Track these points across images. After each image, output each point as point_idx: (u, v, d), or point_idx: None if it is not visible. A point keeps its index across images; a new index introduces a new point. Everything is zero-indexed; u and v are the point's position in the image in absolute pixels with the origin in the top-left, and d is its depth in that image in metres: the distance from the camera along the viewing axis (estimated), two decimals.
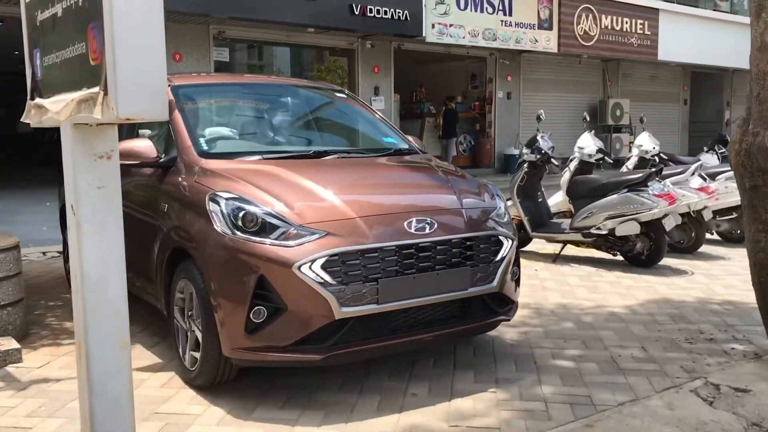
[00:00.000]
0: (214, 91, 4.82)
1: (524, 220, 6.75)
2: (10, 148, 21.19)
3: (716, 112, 21.80)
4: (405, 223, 3.33)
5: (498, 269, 3.56)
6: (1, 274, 3.98)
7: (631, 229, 6.13)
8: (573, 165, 7.24)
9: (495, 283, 3.54)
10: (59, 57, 1.71)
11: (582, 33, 15.66)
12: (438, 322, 3.45)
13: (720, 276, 6.06)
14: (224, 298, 3.13)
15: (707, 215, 6.80)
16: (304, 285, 3.04)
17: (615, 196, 6.26)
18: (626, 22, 16.58)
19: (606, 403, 3.29)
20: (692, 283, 5.84)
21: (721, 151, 9.13)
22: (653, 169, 6.57)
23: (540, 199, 7.05)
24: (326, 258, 3.07)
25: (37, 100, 1.85)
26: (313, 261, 3.05)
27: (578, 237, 6.48)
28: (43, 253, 6.96)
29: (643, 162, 8.22)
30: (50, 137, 15.50)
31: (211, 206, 3.27)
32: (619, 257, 6.59)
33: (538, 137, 6.97)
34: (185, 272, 3.42)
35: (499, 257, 3.58)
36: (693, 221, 6.88)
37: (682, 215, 6.60)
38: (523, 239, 6.79)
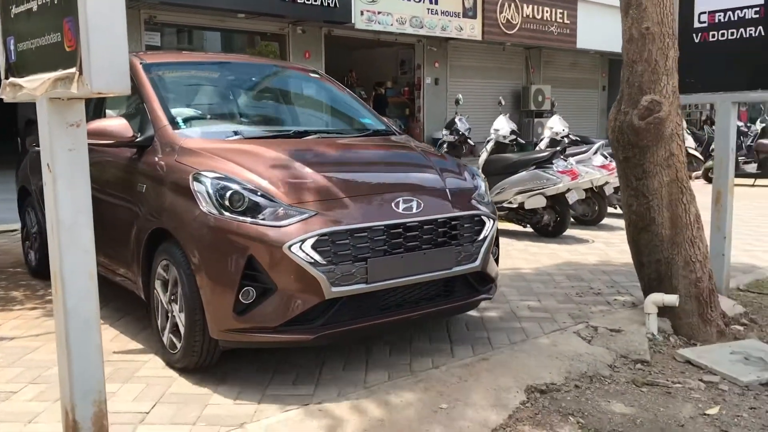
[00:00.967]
0: (188, 69, 4.70)
1: None
2: None
3: None
4: (393, 203, 3.34)
5: (481, 249, 3.60)
6: None
7: (538, 202, 6.76)
8: (489, 145, 7.86)
9: (478, 262, 3.58)
10: (34, 44, 2.07)
11: (505, 21, 16.36)
12: (424, 300, 3.49)
13: (617, 244, 6.76)
14: (211, 280, 3.09)
15: (608, 190, 7.52)
16: (294, 265, 3.01)
17: (524, 172, 6.88)
18: (547, 12, 17.38)
19: (502, 343, 3.85)
20: (591, 250, 6.53)
21: None
22: (558, 148, 7.24)
23: None
24: (316, 238, 3.05)
25: (12, 79, 2.21)
26: (303, 241, 3.03)
27: None
28: None
29: (554, 143, 8.91)
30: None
31: (196, 186, 3.22)
32: (529, 229, 7.24)
33: (456, 119, 7.55)
34: (167, 254, 3.37)
35: (481, 237, 3.62)
36: (596, 196, 7.59)
37: (586, 190, 7.29)
38: None
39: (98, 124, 3.64)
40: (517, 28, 16.71)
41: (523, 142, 8.66)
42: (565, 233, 7.08)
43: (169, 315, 3.41)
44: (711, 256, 4.61)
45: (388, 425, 2.87)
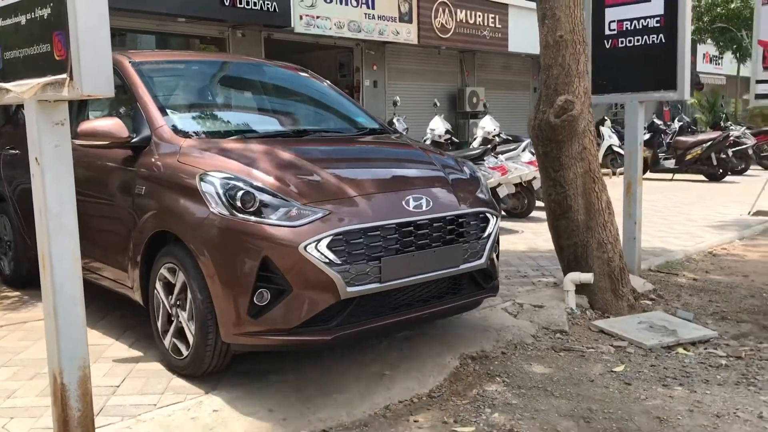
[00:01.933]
0: (178, 68, 4.56)
1: None
2: None
3: None
4: (403, 201, 3.31)
5: (486, 246, 3.60)
6: None
7: None
8: (426, 145, 8.30)
9: (483, 259, 3.58)
10: (22, 53, 2.34)
11: (439, 26, 16.91)
12: (433, 299, 3.46)
13: (544, 233, 7.23)
14: (224, 282, 3.01)
15: (536, 185, 8.05)
16: (310, 265, 2.96)
17: None
18: (479, 17, 18.02)
19: (438, 321, 4.26)
20: (520, 239, 7.05)
21: None
22: (488, 146, 7.74)
23: None
24: (331, 237, 3.00)
25: (0, 84, 2.49)
26: (318, 241, 2.97)
27: None
28: None
29: (486, 141, 9.43)
30: None
31: (203, 186, 3.14)
32: None
33: (395, 120, 7.97)
34: (172, 257, 3.29)
35: (486, 234, 3.62)
36: (525, 190, 8.13)
37: (516, 185, 7.82)
38: None
39: (92, 124, 3.56)
40: (451, 32, 17.28)
41: (458, 141, 9.17)
42: None
43: (173, 319, 3.35)
44: (624, 240, 5.16)
45: (337, 391, 3.24)
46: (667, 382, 3.48)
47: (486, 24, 18.26)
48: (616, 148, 14.03)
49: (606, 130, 14.55)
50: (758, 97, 8.18)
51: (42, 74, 2.27)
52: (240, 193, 3.06)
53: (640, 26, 5.21)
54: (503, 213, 7.81)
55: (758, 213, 8.83)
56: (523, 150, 8.22)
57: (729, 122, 16.86)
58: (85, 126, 3.52)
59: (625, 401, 3.25)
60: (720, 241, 7.21)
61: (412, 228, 3.25)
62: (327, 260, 2.98)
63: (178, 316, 3.31)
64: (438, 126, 8.28)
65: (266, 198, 3.07)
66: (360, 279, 3.06)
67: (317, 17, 14.24)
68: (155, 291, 3.45)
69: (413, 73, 18.46)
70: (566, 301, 4.57)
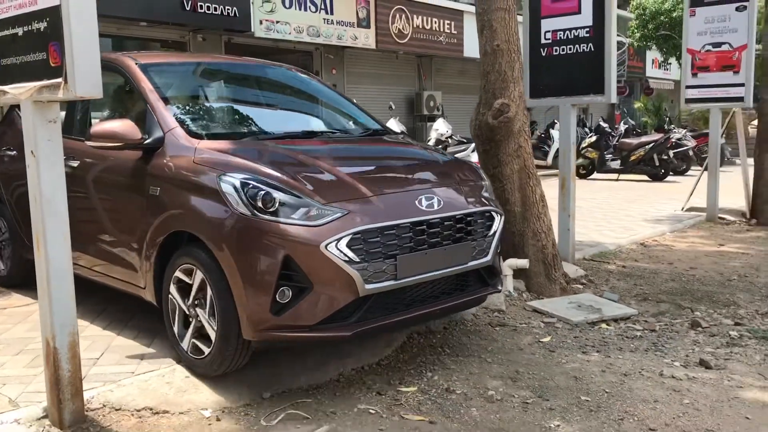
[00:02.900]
0: (184, 69, 4.64)
1: None
2: None
3: None
4: (416, 201, 3.41)
5: (491, 243, 3.73)
6: None
7: None
8: None
9: (489, 256, 3.70)
10: (19, 60, 2.72)
11: (397, 31, 17.40)
12: (443, 295, 3.58)
13: None
14: (246, 281, 3.08)
15: None
16: (330, 264, 3.05)
17: None
18: (435, 22, 18.58)
19: None
20: None
21: None
22: (440, 146, 8.23)
23: None
24: (351, 236, 3.09)
25: None
26: (338, 240, 3.06)
27: None
28: None
29: (439, 143, 9.92)
30: None
31: (224, 187, 3.19)
32: None
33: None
34: (190, 257, 3.34)
35: (491, 232, 3.74)
36: None
37: None
38: None
39: (104, 126, 3.59)
40: (408, 37, 17.79)
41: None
42: None
43: (192, 320, 3.40)
44: (559, 231, 5.68)
45: (298, 361, 3.65)
46: (586, 350, 3.98)
47: (442, 30, 18.83)
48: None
49: (556, 132, 15.20)
50: (688, 101, 8.84)
51: (38, 78, 2.64)
52: (261, 194, 3.12)
53: (572, 36, 5.73)
54: None
55: (691, 209, 9.49)
56: (473, 151, 8.73)
57: (672, 125, 17.69)
58: (97, 128, 3.56)
59: (548, 365, 3.73)
60: (652, 233, 7.81)
61: (424, 227, 3.35)
62: (346, 258, 3.07)
63: (197, 316, 3.35)
64: (393, 128, 8.72)
65: (286, 198, 3.14)
66: (377, 276, 3.15)
67: (277, 22, 14.61)
68: (170, 292, 3.49)
69: (372, 77, 18.92)
70: (504, 285, 5.04)
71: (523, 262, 5.08)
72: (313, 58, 17.90)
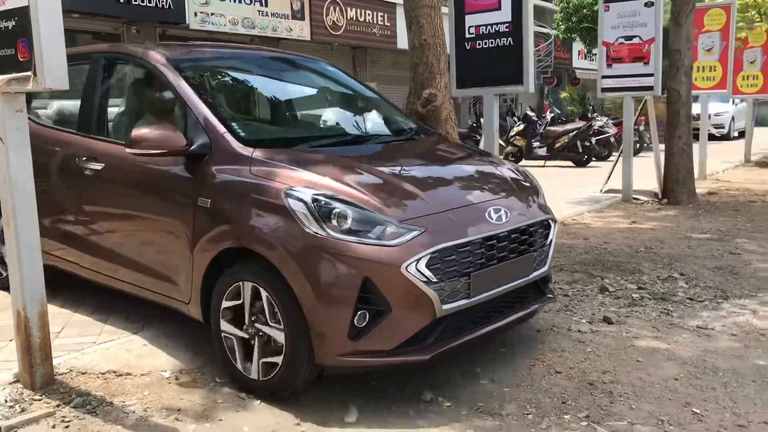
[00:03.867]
0: (219, 65, 4.27)
1: None
2: None
3: None
4: (486, 214, 3.27)
5: (549, 253, 3.63)
6: None
7: None
8: None
9: (547, 266, 3.62)
10: None
11: (331, 23, 17.71)
12: (506, 309, 3.44)
13: None
14: (322, 305, 2.88)
15: None
16: (410, 285, 2.88)
17: None
18: (369, 15, 18.96)
19: None
20: None
21: None
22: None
23: None
24: (429, 256, 2.92)
25: None
26: (418, 260, 2.89)
27: None
28: None
29: None
30: None
31: (292, 203, 2.96)
32: None
33: None
34: (250, 275, 3.11)
35: (548, 240, 3.63)
36: None
37: None
38: None
39: (146, 131, 3.32)
40: (342, 29, 18.12)
41: None
42: None
43: (254, 342, 3.16)
44: None
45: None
46: None
47: (376, 22, 19.23)
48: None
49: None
50: (604, 90, 9.50)
51: (7, 71, 2.92)
52: (335, 212, 2.94)
53: (493, 31, 6.20)
54: None
55: (609, 191, 10.20)
56: None
57: (595, 113, 18.60)
58: (139, 133, 3.32)
59: None
60: (572, 213, 8.44)
61: (494, 241, 3.21)
62: (425, 279, 2.91)
63: (258, 338, 3.14)
64: None
65: (362, 215, 2.95)
66: (453, 296, 3.02)
67: (212, 14, 14.71)
68: (224, 311, 3.24)
69: None
70: None
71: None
72: None
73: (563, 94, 25.03)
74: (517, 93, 6.06)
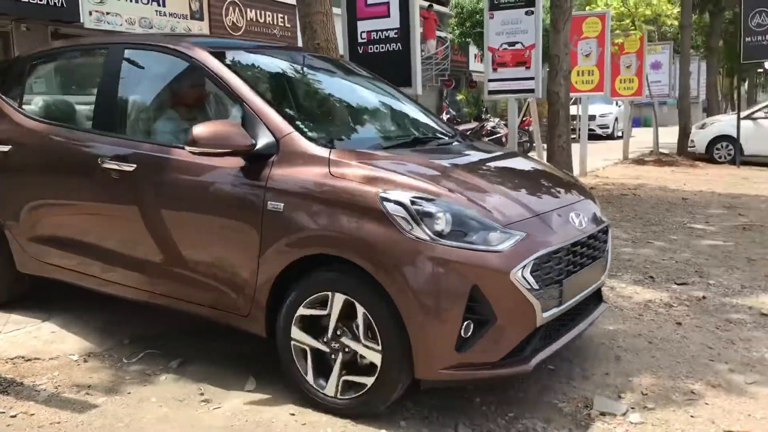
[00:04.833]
0: (261, 60, 4.02)
1: None
2: None
3: None
4: (570, 219, 3.17)
5: (609, 258, 3.59)
6: None
7: None
8: None
9: (607, 271, 3.58)
10: None
11: (231, 24, 17.75)
12: (579, 316, 3.33)
13: None
14: (427, 315, 2.70)
15: None
16: (517, 293, 2.75)
17: None
18: (269, 16, 19.12)
19: None
20: None
21: None
22: None
23: None
24: (533, 262, 2.80)
25: None
26: (525, 266, 2.76)
27: None
28: None
29: None
30: None
31: (390, 207, 2.75)
32: None
33: None
34: (343, 287, 2.88)
35: (608, 246, 3.57)
36: None
37: None
38: None
39: (210, 129, 3.05)
40: (242, 30, 18.19)
41: None
42: None
43: (335, 356, 2.95)
44: None
45: (145, 317, 4.25)
46: None
47: (276, 23, 19.40)
48: None
49: None
50: (490, 93, 10.16)
51: None
52: (439, 215, 2.75)
53: (384, 36, 6.66)
54: None
55: None
56: None
57: (488, 114, 19.52)
58: (202, 131, 3.03)
59: None
60: None
61: (578, 246, 3.14)
62: (529, 286, 2.79)
63: (342, 354, 2.94)
64: None
65: (464, 219, 2.79)
66: (548, 303, 2.90)
67: (107, 13, 14.50)
68: (296, 319, 3.02)
69: None
70: None
71: None
72: None
73: (459, 96, 25.98)
74: (423, 96, 6.40)
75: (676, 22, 17.52)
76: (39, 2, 12.95)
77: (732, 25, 23.20)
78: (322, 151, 3.07)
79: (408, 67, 6.55)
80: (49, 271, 4.00)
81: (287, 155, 3.08)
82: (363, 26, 6.74)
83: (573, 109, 13.97)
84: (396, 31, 6.58)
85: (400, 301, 2.72)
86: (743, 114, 14.59)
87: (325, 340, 2.97)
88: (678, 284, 5.13)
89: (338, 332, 2.93)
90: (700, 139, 15.24)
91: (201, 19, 17.02)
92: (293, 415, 3.05)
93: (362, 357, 2.89)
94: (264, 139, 3.12)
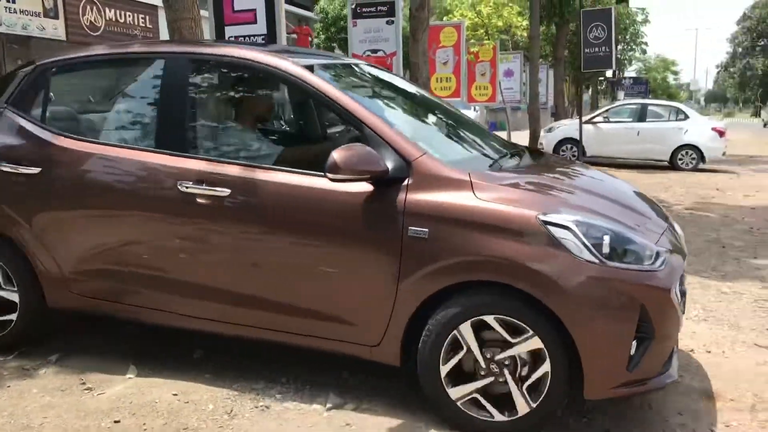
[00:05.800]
0: (351, 75, 3.83)
1: None
2: None
3: None
4: (675, 234, 3.35)
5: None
6: None
7: None
8: None
9: None
10: None
11: (89, 23, 17.16)
12: None
13: None
14: (601, 337, 2.74)
15: None
16: (673, 309, 2.85)
17: None
18: (129, 16, 18.63)
19: None
20: None
21: None
22: None
23: None
24: (680, 278, 2.97)
25: None
26: (678, 283, 2.91)
27: None
28: None
29: None
30: None
31: (554, 230, 2.74)
32: None
33: None
34: (498, 309, 2.84)
35: None
36: None
37: None
38: None
39: (351, 154, 2.89)
40: (101, 30, 17.62)
41: None
42: None
43: (494, 378, 2.89)
44: None
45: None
46: None
47: (137, 23, 18.95)
48: None
49: None
50: None
51: None
52: (606, 237, 2.77)
53: (252, 41, 6.90)
54: None
55: None
56: None
57: None
58: (343, 156, 2.88)
59: None
60: None
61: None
62: (680, 301, 2.92)
63: (506, 376, 2.88)
64: None
65: (625, 239, 2.83)
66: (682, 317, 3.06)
67: None
68: (443, 348, 2.92)
69: None
70: None
71: None
72: None
73: None
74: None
75: (525, 33, 18.90)
76: None
77: (576, 37, 25.24)
78: (460, 174, 2.97)
79: None
80: (97, 306, 3.58)
81: (423, 178, 2.95)
82: (231, 31, 6.92)
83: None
84: (263, 36, 6.83)
85: (572, 323, 2.73)
86: (585, 118, 16.02)
87: (482, 365, 2.90)
88: None
89: (500, 357, 2.88)
90: (548, 141, 16.55)
91: (56, 17, 16.34)
92: (176, 395, 3.28)
93: (538, 378, 2.86)
94: (394, 163, 2.98)
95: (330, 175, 2.91)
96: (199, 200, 3.20)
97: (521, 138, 19.50)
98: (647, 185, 11.57)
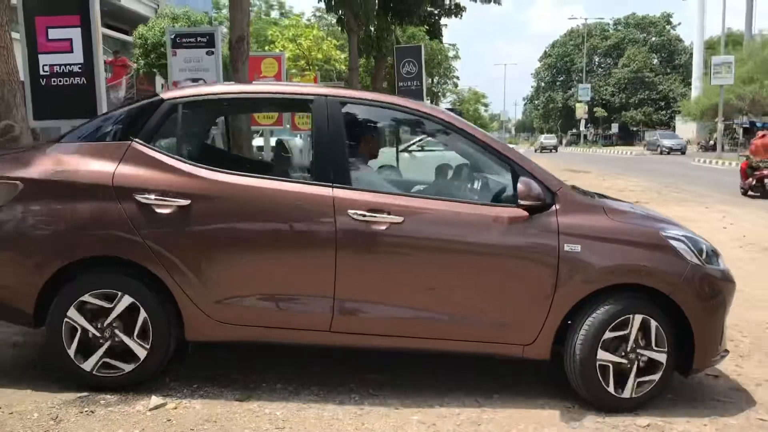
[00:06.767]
0: (460, 119, 4.13)
1: None
2: None
3: None
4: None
5: None
6: None
7: None
8: None
9: None
10: None
11: None
12: None
13: None
14: (708, 320, 3.69)
15: None
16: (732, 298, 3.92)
17: None
18: None
19: None
20: None
21: None
22: None
23: None
24: None
25: None
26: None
27: None
28: None
29: None
30: None
31: (674, 243, 3.69)
32: None
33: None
34: (637, 308, 3.62)
35: None
36: None
37: None
38: None
39: (530, 186, 3.58)
40: None
41: None
42: None
43: (632, 366, 3.66)
44: None
45: None
46: None
47: None
48: None
49: None
50: None
51: None
52: (704, 247, 3.80)
53: (68, 70, 6.97)
54: None
55: None
56: None
57: None
58: (529, 187, 3.57)
59: None
60: None
61: None
62: None
63: (636, 362, 3.66)
64: None
65: (708, 248, 3.84)
66: None
67: None
68: (602, 342, 3.62)
69: None
70: None
71: None
72: None
73: None
74: None
75: (344, 66, 19.89)
76: None
77: (393, 70, 26.76)
78: (591, 200, 3.93)
79: (94, 99, 6.95)
80: (248, 334, 3.72)
81: (567, 205, 3.70)
82: (45, 59, 6.92)
83: (261, 141, 15.22)
84: (80, 66, 6.93)
85: (691, 312, 3.64)
86: (401, 147, 17.14)
87: (623, 354, 3.67)
88: None
89: (634, 345, 3.67)
90: None
91: None
92: (0, 408, 3.45)
93: (654, 361, 3.69)
94: (543, 193, 3.65)
95: (522, 202, 3.60)
96: (373, 227, 3.61)
97: None
98: None
